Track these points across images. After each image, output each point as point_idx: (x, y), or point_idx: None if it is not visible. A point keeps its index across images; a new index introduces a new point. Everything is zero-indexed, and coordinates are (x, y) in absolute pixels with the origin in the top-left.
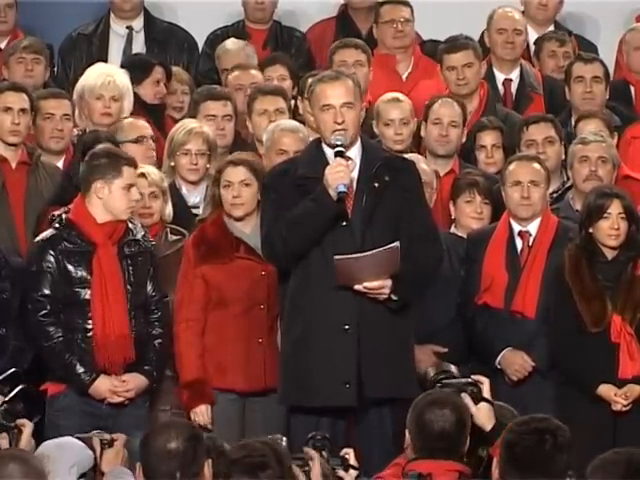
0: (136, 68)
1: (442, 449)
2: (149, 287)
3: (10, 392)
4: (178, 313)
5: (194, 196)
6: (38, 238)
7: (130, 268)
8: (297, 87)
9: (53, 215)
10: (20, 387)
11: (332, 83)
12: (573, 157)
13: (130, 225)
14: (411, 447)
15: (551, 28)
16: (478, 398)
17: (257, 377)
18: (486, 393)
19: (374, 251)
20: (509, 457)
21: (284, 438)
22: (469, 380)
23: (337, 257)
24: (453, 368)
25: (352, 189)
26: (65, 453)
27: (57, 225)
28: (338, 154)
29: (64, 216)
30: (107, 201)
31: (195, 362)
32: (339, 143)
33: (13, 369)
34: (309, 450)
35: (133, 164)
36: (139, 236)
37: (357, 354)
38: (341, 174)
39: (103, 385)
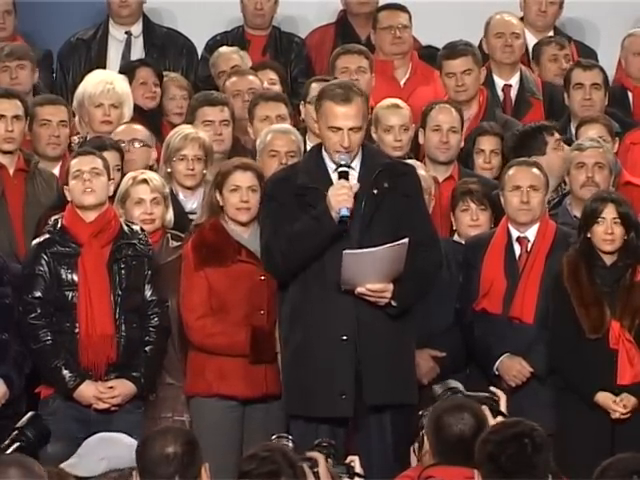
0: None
1: (460, 454)
2: (147, 292)
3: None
4: (188, 316)
5: (191, 202)
6: (33, 242)
7: (122, 271)
8: (285, 91)
9: (49, 220)
10: (32, 414)
11: (343, 105)
12: (570, 163)
13: (125, 228)
14: (430, 452)
15: (551, 34)
16: (496, 411)
17: (258, 383)
18: (503, 407)
19: (384, 246)
20: (494, 468)
21: (290, 437)
22: (487, 394)
23: (346, 251)
24: (458, 384)
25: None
26: (100, 445)
27: (51, 229)
28: (342, 175)
29: (59, 220)
30: None
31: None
32: (343, 163)
33: (32, 412)
34: (312, 453)
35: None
36: (135, 240)
37: (355, 364)
38: (344, 197)
39: (88, 390)
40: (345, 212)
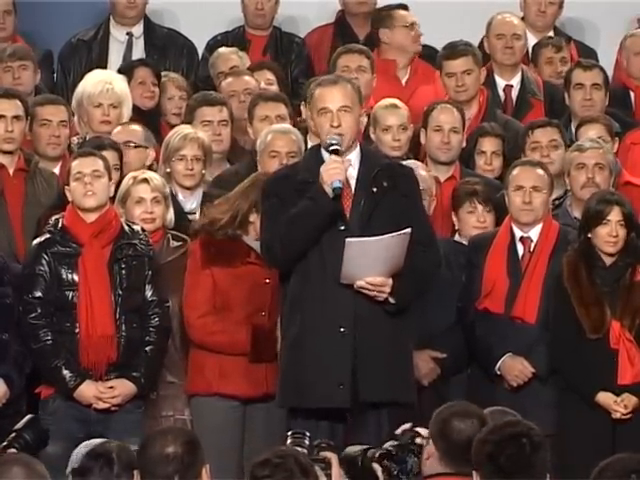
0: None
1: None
2: (147, 292)
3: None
4: (190, 314)
5: (190, 202)
6: (34, 242)
7: (123, 271)
8: (283, 92)
9: (49, 220)
10: (30, 417)
11: (330, 87)
12: (570, 164)
13: (126, 228)
14: (437, 459)
15: (550, 34)
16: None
17: (259, 382)
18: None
19: (386, 236)
20: (493, 469)
21: (307, 434)
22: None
23: (349, 239)
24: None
25: (350, 192)
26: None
27: (51, 229)
28: (333, 152)
29: (59, 220)
30: None
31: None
32: (333, 142)
33: (30, 415)
34: (325, 453)
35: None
36: (135, 240)
37: (352, 356)
38: (337, 170)
39: (88, 390)
40: (337, 184)
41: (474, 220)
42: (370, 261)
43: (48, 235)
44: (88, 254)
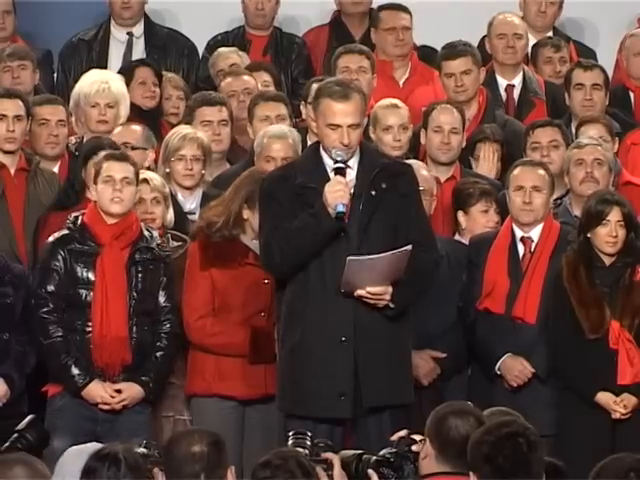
0: (118, 73)
1: (466, 457)
2: (161, 297)
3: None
4: (189, 315)
5: (190, 202)
6: (51, 238)
7: (139, 275)
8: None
9: (69, 217)
10: (31, 417)
11: (341, 102)
12: (569, 162)
13: (145, 232)
14: (434, 458)
15: (550, 34)
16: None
17: (257, 383)
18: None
19: (388, 253)
20: (491, 469)
21: (308, 434)
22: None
23: (351, 257)
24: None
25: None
26: (78, 461)
27: (70, 226)
28: (337, 171)
29: (80, 218)
30: None
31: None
32: (339, 159)
33: (32, 415)
34: (327, 454)
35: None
36: (154, 244)
37: (354, 366)
38: (340, 193)
39: (96, 390)
40: (341, 208)
41: (487, 220)
42: (371, 275)
43: (66, 231)
44: (108, 255)
